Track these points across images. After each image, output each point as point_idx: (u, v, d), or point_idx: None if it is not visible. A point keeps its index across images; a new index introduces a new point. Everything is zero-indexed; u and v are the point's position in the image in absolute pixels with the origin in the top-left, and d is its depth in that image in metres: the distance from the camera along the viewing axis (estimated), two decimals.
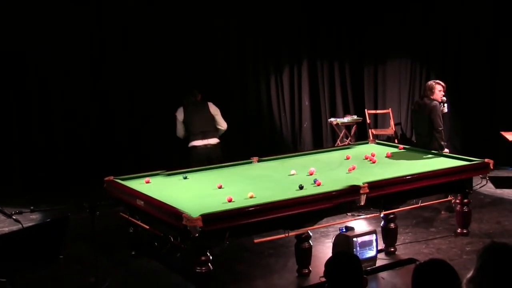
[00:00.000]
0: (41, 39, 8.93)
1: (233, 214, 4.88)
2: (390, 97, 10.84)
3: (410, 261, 5.62)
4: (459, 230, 6.34)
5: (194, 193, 5.66)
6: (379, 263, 5.53)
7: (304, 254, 5.39)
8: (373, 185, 5.47)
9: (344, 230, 5.42)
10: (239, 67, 10.56)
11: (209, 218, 4.70)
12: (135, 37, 9.59)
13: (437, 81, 7.36)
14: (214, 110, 7.65)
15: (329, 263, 3.02)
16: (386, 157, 6.70)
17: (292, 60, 10.87)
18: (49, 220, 4.26)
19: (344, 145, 8.77)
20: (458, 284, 2.68)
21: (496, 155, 7.60)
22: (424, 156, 6.75)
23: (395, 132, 10.31)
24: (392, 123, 10.33)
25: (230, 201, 5.19)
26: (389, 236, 5.90)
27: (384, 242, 5.88)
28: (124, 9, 9.51)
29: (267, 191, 5.50)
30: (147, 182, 5.97)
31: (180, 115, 7.57)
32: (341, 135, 10.46)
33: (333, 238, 5.50)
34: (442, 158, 6.58)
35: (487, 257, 2.65)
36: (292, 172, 6.20)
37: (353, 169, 6.16)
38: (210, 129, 7.57)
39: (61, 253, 4.18)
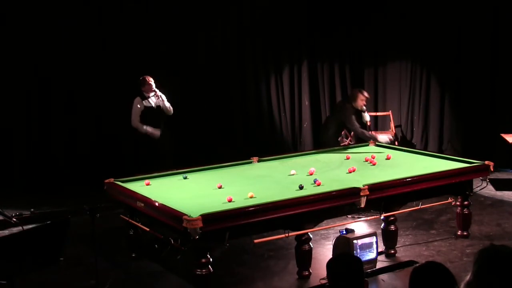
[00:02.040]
0: (40, 39, 8.92)
1: (233, 214, 4.89)
2: (390, 99, 10.84)
3: (410, 263, 5.61)
4: (459, 232, 6.33)
5: (194, 193, 5.66)
6: (379, 265, 5.53)
7: (305, 256, 5.38)
8: (374, 187, 5.48)
9: (344, 232, 5.42)
10: (239, 67, 10.56)
11: (209, 218, 4.71)
12: (135, 36, 9.56)
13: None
14: None
15: (331, 263, 3.01)
16: (387, 159, 6.70)
17: (292, 60, 10.86)
18: (49, 222, 4.25)
19: (344, 145, 8.77)
20: None
21: (496, 157, 7.60)
22: (424, 158, 6.75)
23: (395, 134, 10.31)
24: (392, 125, 10.32)
25: (230, 201, 5.20)
26: (389, 238, 5.89)
27: (384, 244, 5.87)
28: (124, 9, 9.50)
29: (267, 191, 5.52)
30: (147, 185, 5.96)
31: None
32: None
33: (333, 240, 5.49)
34: (442, 160, 6.59)
35: (483, 261, 2.66)
36: (292, 172, 6.22)
37: (353, 170, 6.17)
38: None
39: (61, 255, 4.18)
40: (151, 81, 7.84)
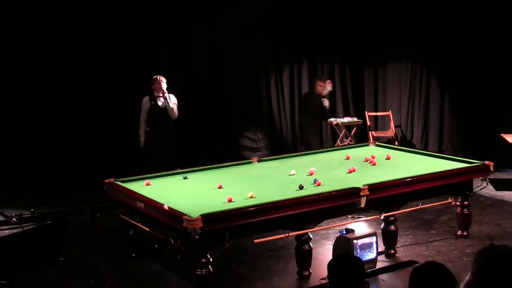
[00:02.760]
0: (41, 39, 8.92)
1: (233, 214, 4.89)
2: (390, 99, 10.85)
3: (410, 263, 5.61)
4: (459, 232, 6.33)
5: (194, 193, 5.66)
6: (379, 265, 5.53)
7: (305, 256, 5.37)
8: (374, 187, 5.48)
9: (344, 232, 5.42)
10: (239, 67, 10.56)
11: (209, 218, 4.71)
12: (135, 37, 9.57)
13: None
14: None
15: (332, 264, 3.01)
16: (387, 159, 6.70)
17: (292, 60, 10.87)
18: (49, 222, 4.25)
19: (344, 145, 8.79)
20: None
21: (496, 157, 7.60)
22: (424, 158, 6.75)
23: (395, 134, 10.32)
24: (392, 125, 10.33)
25: (230, 201, 5.20)
26: (389, 238, 5.89)
27: (384, 244, 5.87)
28: (124, 9, 9.50)
29: (267, 191, 5.51)
30: (148, 185, 5.96)
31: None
32: (341, 135, 10.46)
33: (334, 240, 5.49)
34: (442, 160, 6.58)
35: (483, 261, 2.65)
36: (292, 172, 6.22)
37: (353, 170, 6.17)
38: None
39: (61, 255, 4.18)
40: (161, 82, 7.80)
